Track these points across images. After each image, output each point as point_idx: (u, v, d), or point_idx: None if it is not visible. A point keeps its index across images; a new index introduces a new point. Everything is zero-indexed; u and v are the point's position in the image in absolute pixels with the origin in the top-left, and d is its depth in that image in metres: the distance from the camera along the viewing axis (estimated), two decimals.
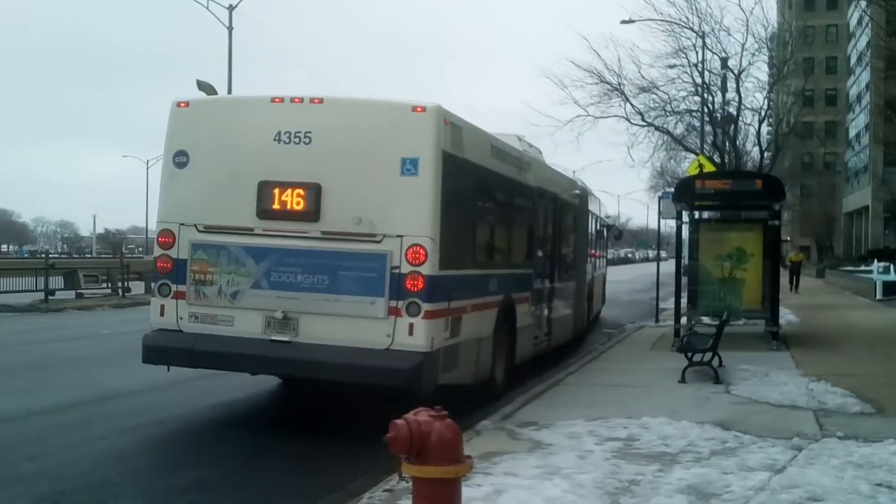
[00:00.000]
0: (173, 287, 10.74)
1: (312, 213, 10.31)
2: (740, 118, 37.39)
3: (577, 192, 20.72)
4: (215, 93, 12.92)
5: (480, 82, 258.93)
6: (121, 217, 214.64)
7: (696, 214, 21.85)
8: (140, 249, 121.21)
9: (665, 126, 36.14)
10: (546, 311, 16.26)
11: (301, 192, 10.36)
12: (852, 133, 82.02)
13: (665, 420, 10.10)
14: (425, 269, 9.96)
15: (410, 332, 9.92)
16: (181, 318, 10.70)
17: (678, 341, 16.61)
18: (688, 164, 34.65)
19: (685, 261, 20.96)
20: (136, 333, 11.58)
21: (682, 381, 13.48)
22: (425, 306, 9.95)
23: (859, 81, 74.52)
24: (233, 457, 9.35)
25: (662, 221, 26.72)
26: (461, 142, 11.00)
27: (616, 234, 34.37)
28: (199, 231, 10.68)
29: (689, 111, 36.14)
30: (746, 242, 19.14)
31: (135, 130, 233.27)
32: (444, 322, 10.44)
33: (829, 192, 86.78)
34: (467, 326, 11.18)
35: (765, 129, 41.73)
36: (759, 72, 43.46)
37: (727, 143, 37.20)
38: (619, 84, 34.46)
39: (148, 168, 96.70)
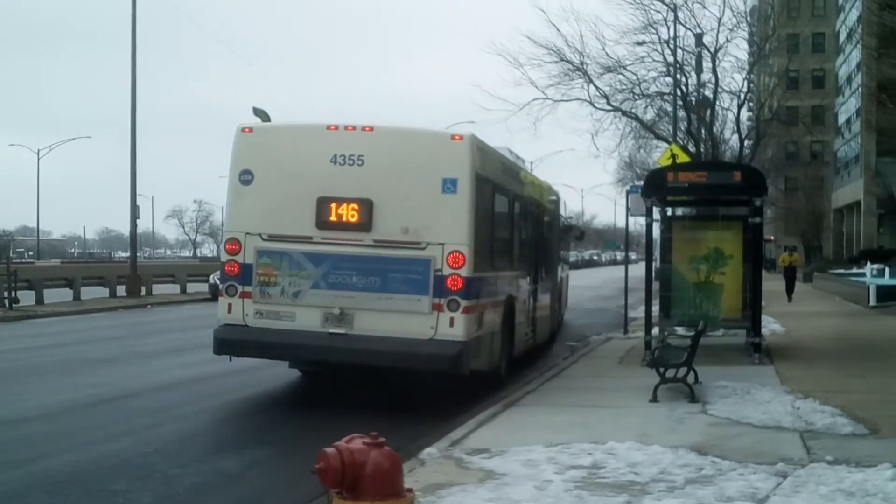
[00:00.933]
0: (240, 288, 14.19)
1: (366, 224, 13.90)
2: (717, 102, 37.77)
3: (553, 197, 24.53)
4: (269, 119, 16.81)
5: (422, 60, 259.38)
6: (7, 216, 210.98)
7: (669, 211, 22.09)
8: (31, 254, 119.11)
9: (633, 111, 36.36)
10: (532, 311, 20.09)
11: (355, 206, 13.94)
12: (842, 119, 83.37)
13: (634, 444, 10.18)
14: (463, 272, 13.67)
15: (451, 325, 13.61)
16: (247, 315, 14.15)
17: (649, 355, 16.74)
18: (659, 154, 34.97)
19: (657, 263, 21.15)
20: (29, 351, 11.38)
21: (654, 399, 13.59)
22: (463, 303, 13.64)
23: (849, 61, 75.80)
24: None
25: (631, 219, 26.97)
26: (485, 163, 15.04)
27: (577, 234, 36.60)
28: (263, 239, 14.17)
29: (660, 94, 36.44)
30: (725, 242, 19.36)
31: (25, 114, 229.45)
32: (476, 316, 14.18)
33: (816, 185, 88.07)
34: (487, 321, 14.97)
35: (745, 114, 42.25)
36: (738, 50, 44.11)
37: (703, 130, 37.61)
38: (582, 63, 34.61)
39: (39, 159, 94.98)
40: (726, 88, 37.80)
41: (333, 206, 13.99)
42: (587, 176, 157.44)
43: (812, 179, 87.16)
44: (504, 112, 37.51)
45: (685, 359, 13.86)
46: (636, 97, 36.01)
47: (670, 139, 34.34)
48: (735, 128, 40.07)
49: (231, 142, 14.55)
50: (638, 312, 28.56)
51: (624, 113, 36.06)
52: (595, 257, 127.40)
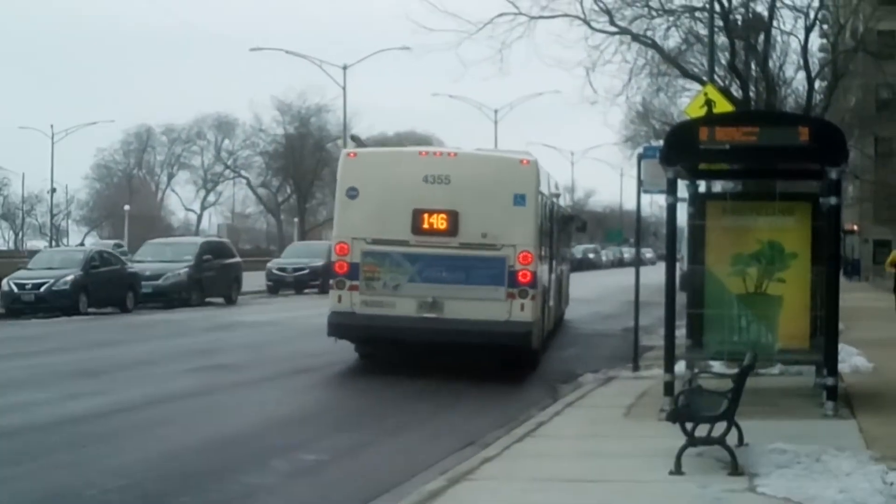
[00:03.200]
0: (348, 283, 24.79)
1: (452, 230, 24.53)
2: (775, 23, 38.07)
3: (558, 192, 36.16)
4: (364, 145, 31.33)
5: None
6: None
7: (702, 186, 22.15)
8: None
9: (649, 34, 36.56)
10: (551, 300, 32.03)
11: (444, 216, 24.54)
12: None
13: None
14: (531, 268, 24.63)
15: (522, 309, 24.46)
16: (354, 304, 24.76)
17: (671, 403, 16.80)
18: (687, 100, 35.17)
19: (683, 265, 21.19)
20: None
21: (678, 471, 13.63)
22: (531, 292, 24.67)
23: None
24: None
25: (646, 198, 27.11)
26: (541, 180, 26.71)
27: (579, 225, 46.87)
28: (368, 243, 24.64)
29: (690, 9, 36.67)
30: (785, 234, 19.47)
31: None
32: (539, 304, 25.85)
33: None
34: (540, 308, 26.55)
35: (815, 41, 42.61)
36: None
37: (753, 66, 37.87)
38: None
39: None
40: (788, 2, 38.09)
41: (426, 215, 24.58)
42: (580, 132, 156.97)
43: None
44: (455, 34, 37.04)
45: (725, 409, 13.91)
46: (654, 14, 36.21)
47: (704, 78, 34.51)
48: (801, 62, 40.33)
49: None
50: (654, 339, 28.68)
51: (635, 38, 36.22)
52: (592, 255, 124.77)
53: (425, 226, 24.66)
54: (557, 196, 35.44)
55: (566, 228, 41.79)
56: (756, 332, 19.23)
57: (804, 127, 19.60)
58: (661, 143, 22.81)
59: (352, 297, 24.79)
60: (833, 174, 18.73)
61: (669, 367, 19.04)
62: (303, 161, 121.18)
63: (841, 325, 20.98)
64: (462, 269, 24.57)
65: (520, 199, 24.72)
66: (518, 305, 24.45)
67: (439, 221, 24.60)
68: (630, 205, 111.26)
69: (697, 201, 20.60)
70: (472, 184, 24.76)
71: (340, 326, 25.14)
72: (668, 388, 18.52)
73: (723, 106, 27.00)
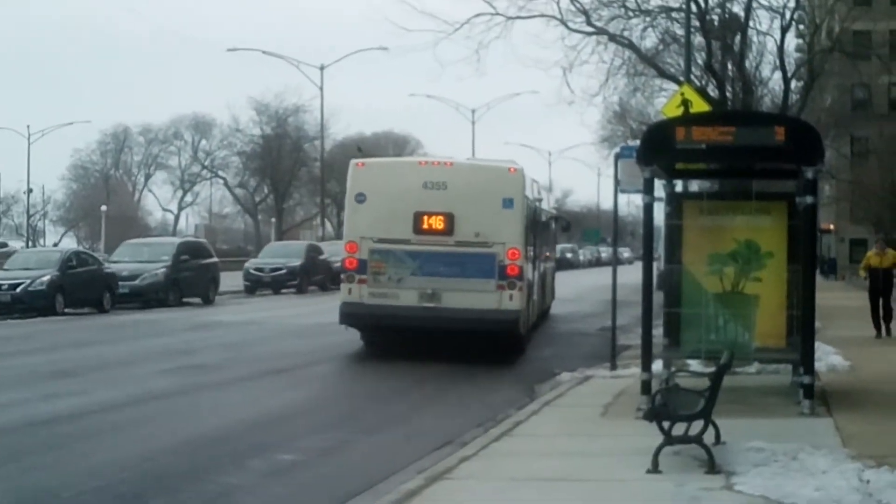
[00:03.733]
0: (357, 277, 28.09)
1: (449, 230, 27.93)
2: (751, 23, 38.10)
3: (541, 196, 38.58)
4: (367, 156, 38.17)
5: None
6: None
7: (679, 185, 22.14)
8: None
9: (626, 35, 36.54)
10: (535, 294, 34.56)
11: (441, 218, 27.90)
12: None
13: None
14: (518, 262, 28.17)
15: (510, 299, 28.02)
16: (363, 296, 28.08)
17: (648, 402, 16.79)
18: (664, 100, 35.15)
19: (660, 264, 21.18)
20: None
21: (655, 469, 13.63)
22: (519, 284, 28.19)
23: None
24: None
25: (623, 198, 27.12)
26: (527, 186, 30.87)
27: (564, 225, 51.64)
28: (374, 242, 28.03)
29: (667, 10, 36.66)
30: (761, 233, 19.46)
31: None
32: (525, 294, 29.56)
33: None
34: (526, 298, 29.82)
35: (791, 41, 42.61)
36: None
37: (729, 66, 37.88)
38: None
39: None
40: (764, 2, 38.13)
41: (426, 217, 27.91)
42: (557, 132, 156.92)
43: (891, 140, 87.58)
44: (432, 34, 37.06)
45: (702, 408, 13.91)
46: (630, 14, 36.18)
47: (681, 78, 34.51)
48: (777, 62, 40.37)
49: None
50: (632, 338, 28.69)
51: (612, 38, 36.20)
52: (569, 255, 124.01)
53: (425, 226, 27.97)
54: (540, 200, 37.74)
55: (551, 229, 44.95)
56: (733, 330, 19.23)
57: (780, 126, 19.57)
58: (637, 142, 22.78)
59: (360, 289, 28.10)
60: (809, 174, 18.74)
61: (647, 366, 19.04)
62: (280, 161, 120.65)
63: (818, 324, 21.03)
64: (457, 264, 27.89)
65: (508, 203, 28.07)
66: (507, 296, 27.82)
67: (437, 222, 27.91)
68: (607, 204, 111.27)
69: (674, 201, 20.61)
70: (466, 189, 28.09)
71: (351, 315, 28.56)
72: (646, 387, 18.52)
73: (699, 106, 27.00)
